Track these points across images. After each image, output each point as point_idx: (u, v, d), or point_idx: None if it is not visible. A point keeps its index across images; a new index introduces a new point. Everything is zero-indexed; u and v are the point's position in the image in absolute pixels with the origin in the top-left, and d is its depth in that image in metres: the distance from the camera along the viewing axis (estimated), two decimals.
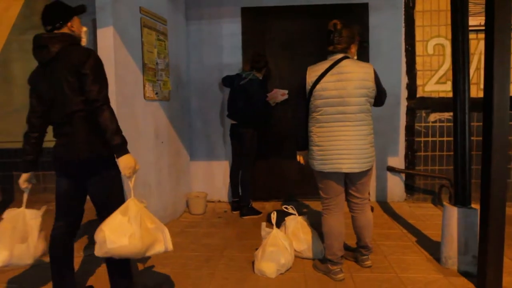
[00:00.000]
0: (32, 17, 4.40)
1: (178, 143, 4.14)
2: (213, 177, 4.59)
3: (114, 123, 1.99)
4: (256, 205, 4.23)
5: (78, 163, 2.03)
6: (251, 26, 4.46)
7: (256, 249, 2.84)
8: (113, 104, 2.93)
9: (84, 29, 2.25)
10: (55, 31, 2.08)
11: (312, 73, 2.53)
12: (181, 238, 3.47)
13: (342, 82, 2.45)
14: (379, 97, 2.60)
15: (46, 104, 2.08)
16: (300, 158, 2.78)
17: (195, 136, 4.58)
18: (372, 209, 4.22)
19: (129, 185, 2.00)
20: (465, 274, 2.66)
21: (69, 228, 2.21)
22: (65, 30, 2.11)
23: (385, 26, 4.39)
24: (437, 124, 4.46)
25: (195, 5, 4.45)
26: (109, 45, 2.96)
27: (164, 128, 3.80)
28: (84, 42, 2.23)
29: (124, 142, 2.01)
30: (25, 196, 2.22)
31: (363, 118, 2.50)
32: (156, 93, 3.59)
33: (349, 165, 2.49)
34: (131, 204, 1.92)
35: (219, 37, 4.48)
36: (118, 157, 2.00)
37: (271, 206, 4.38)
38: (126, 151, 2.01)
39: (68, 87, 1.99)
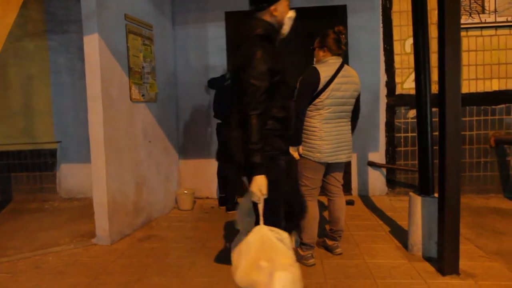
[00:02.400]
0: (26, 25, 4.64)
1: (166, 142, 4.35)
2: (201, 175, 4.79)
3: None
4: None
5: None
6: (235, 30, 4.65)
7: None
8: (100, 106, 3.19)
9: (290, 14, 2.10)
10: (257, 13, 2.00)
11: (324, 73, 2.73)
12: (167, 232, 3.68)
13: (347, 85, 2.78)
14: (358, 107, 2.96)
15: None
16: (295, 153, 2.89)
17: (183, 135, 4.79)
18: (353, 203, 4.43)
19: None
20: (428, 259, 2.84)
21: None
22: (266, 14, 2.03)
23: (363, 26, 4.57)
24: (415, 120, 4.61)
25: (182, 10, 4.66)
26: (94, 51, 3.17)
27: (151, 128, 4.01)
28: (285, 30, 2.12)
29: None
30: None
31: (350, 115, 2.90)
32: (143, 95, 3.80)
33: (346, 155, 2.89)
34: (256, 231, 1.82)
35: (204, 40, 4.68)
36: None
37: None
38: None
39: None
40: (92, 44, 3.17)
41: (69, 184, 4.98)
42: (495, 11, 4.59)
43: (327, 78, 2.71)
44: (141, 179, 3.81)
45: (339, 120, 2.80)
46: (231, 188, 4.28)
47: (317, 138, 2.77)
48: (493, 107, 4.57)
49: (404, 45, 4.59)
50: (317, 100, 2.73)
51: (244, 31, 2.01)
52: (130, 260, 3.02)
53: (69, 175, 4.97)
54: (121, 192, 3.47)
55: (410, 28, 4.52)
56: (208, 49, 4.68)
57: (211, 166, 4.76)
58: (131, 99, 3.63)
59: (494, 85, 4.54)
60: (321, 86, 2.71)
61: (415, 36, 3.04)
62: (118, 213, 3.42)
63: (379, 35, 4.60)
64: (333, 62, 2.78)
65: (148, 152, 3.93)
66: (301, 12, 4.49)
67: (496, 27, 4.53)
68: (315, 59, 2.94)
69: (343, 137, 2.83)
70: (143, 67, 3.80)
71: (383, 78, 4.64)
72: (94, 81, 3.20)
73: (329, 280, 2.60)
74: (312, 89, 2.72)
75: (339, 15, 4.52)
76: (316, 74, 2.70)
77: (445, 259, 2.62)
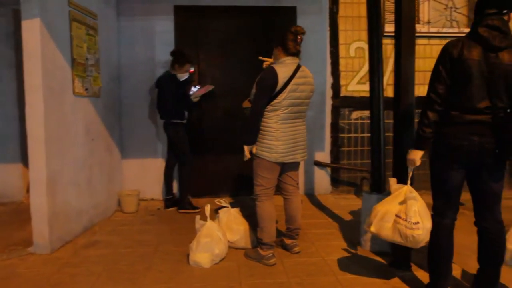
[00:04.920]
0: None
1: (109, 140, 4.07)
2: (146, 175, 4.55)
3: None
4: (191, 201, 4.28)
5: None
6: (184, 24, 4.50)
7: (191, 242, 2.91)
8: (40, 99, 2.88)
9: None
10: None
11: (282, 74, 2.70)
12: (113, 237, 3.43)
13: (303, 86, 2.78)
14: None
15: None
16: (248, 152, 2.84)
17: (127, 134, 4.51)
18: (301, 202, 4.50)
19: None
20: (381, 253, 2.97)
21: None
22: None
23: (311, 29, 4.64)
24: (359, 121, 4.85)
25: (127, 1, 4.39)
26: (35, 38, 2.85)
27: (95, 125, 3.72)
28: None
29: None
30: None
31: (305, 115, 2.93)
32: (86, 89, 3.51)
33: (301, 155, 2.90)
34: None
35: (151, 34, 4.46)
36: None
37: (205, 202, 4.43)
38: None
39: None
40: (32, 30, 2.84)
41: None
42: (429, 22, 4.97)
43: (285, 79, 2.70)
44: (84, 180, 3.51)
45: (295, 120, 2.82)
46: (185, 187, 4.14)
47: (274, 138, 2.76)
48: None
49: (349, 49, 4.79)
50: (275, 100, 2.72)
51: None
52: (77, 269, 2.76)
53: None
54: (62, 195, 3.16)
55: (355, 33, 4.80)
56: (155, 43, 4.46)
57: (156, 166, 4.56)
58: (74, 93, 3.32)
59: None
60: (279, 86, 2.70)
61: (370, 42, 3.18)
62: (58, 218, 3.11)
63: (326, 38, 4.74)
64: (290, 62, 2.78)
65: (90, 151, 3.64)
66: (252, 11, 4.54)
67: (429, 37, 4.90)
68: (273, 58, 2.93)
69: (299, 137, 2.86)
70: (87, 58, 3.51)
71: (329, 80, 4.79)
72: (34, 71, 2.87)
73: (292, 279, 2.61)
74: (270, 90, 2.71)
75: (289, 16, 4.58)
76: (274, 74, 2.68)
77: (397, 253, 2.76)
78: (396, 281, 2.56)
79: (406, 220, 2.15)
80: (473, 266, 2.28)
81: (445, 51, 2.08)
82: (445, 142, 2.10)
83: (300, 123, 2.88)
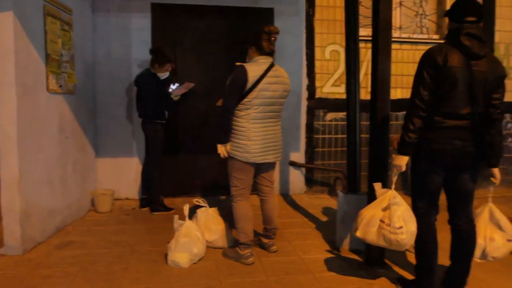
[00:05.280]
0: None
1: (83, 138, 3.98)
2: (121, 174, 4.47)
3: None
4: (165, 201, 4.24)
5: None
6: (161, 22, 4.46)
7: (169, 242, 2.90)
8: (13, 95, 2.79)
9: None
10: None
11: (252, 72, 2.69)
12: (88, 237, 3.36)
13: (276, 85, 2.76)
14: None
15: None
16: (223, 150, 2.85)
17: (101, 132, 4.41)
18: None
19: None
20: (356, 251, 3.07)
21: None
22: None
23: (288, 31, 4.73)
24: (333, 122, 4.96)
25: None
26: (8, 32, 2.75)
27: (69, 123, 3.63)
28: None
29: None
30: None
31: (280, 116, 2.92)
32: (60, 86, 3.42)
33: (274, 156, 2.88)
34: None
35: (128, 31, 4.38)
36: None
37: (181, 201, 4.42)
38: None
39: None
40: (5, 23, 2.74)
41: None
42: (400, 28, 5.15)
43: (256, 78, 2.69)
44: (57, 179, 3.42)
45: (268, 120, 2.82)
46: (155, 189, 4.08)
47: (245, 138, 2.76)
48: (397, 113, 5.09)
49: (325, 52, 4.88)
50: (246, 99, 2.73)
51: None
52: (51, 271, 2.69)
53: None
54: (35, 194, 3.07)
55: (331, 36, 4.90)
56: (132, 40, 4.39)
57: (132, 165, 4.50)
58: (48, 89, 3.23)
59: (398, 94, 5.07)
60: (249, 85, 2.70)
61: (347, 46, 3.27)
62: (30, 218, 3.02)
63: (302, 40, 4.81)
64: (263, 61, 2.78)
65: (64, 149, 3.54)
66: (230, 11, 4.55)
67: (401, 42, 5.08)
68: (247, 58, 2.93)
69: (272, 137, 2.85)
70: (61, 54, 3.42)
71: (305, 81, 4.87)
72: (7, 66, 2.77)
73: (271, 277, 2.65)
74: (239, 88, 2.70)
75: (266, 17, 4.62)
76: (244, 73, 2.68)
77: (371, 251, 2.85)
78: (371, 277, 2.65)
79: (389, 225, 2.19)
80: (443, 262, 2.39)
81: (429, 57, 2.11)
82: (428, 146, 2.17)
83: (273, 123, 2.86)
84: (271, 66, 2.79)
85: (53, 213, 3.35)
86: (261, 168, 2.94)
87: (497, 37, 5.28)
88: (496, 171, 2.26)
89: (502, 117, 2.20)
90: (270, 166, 2.99)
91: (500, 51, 5.31)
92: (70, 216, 3.66)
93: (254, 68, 2.73)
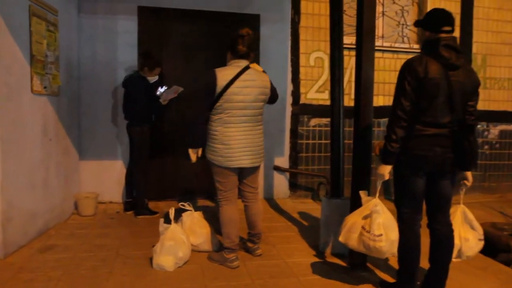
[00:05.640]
0: None
1: (67, 141, 3.93)
2: (105, 177, 4.43)
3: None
4: (150, 205, 4.23)
5: None
6: (148, 26, 4.45)
7: (154, 245, 2.90)
8: None
9: None
10: None
11: (223, 77, 2.70)
12: (71, 241, 3.33)
13: (248, 89, 2.74)
14: (273, 99, 3.00)
15: None
16: (193, 155, 2.88)
17: (86, 134, 4.37)
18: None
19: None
20: (339, 255, 3.12)
21: None
22: None
23: (274, 37, 4.80)
24: (317, 128, 5.04)
25: None
26: None
27: (53, 125, 3.59)
28: None
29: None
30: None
31: (259, 120, 2.88)
32: (45, 87, 3.38)
33: (250, 160, 2.82)
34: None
35: (114, 33, 4.36)
36: None
37: (165, 205, 4.42)
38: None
39: None
40: None
41: None
42: (383, 36, 5.28)
43: (225, 82, 2.69)
44: (40, 181, 3.37)
45: (242, 124, 2.78)
46: (140, 192, 4.06)
47: (219, 142, 2.77)
48: (379, 120, 5.21)
49: (309, 59, 4.97)
50: (217, 103, 2.72)
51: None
52: (33, 275, 2.66)
53: None
54: (16, 197, 3.02)
55: (315, 43, 4.99)
56: (118, 43, 4.37)
57: (116, 168, 4.47)
58: (32, 91, 3.19)
59: (380, 101, 5.19)
60: (219, 89, 2.69)
61: (332, 54, 3.34)
62: (12, 221, 2.97)
63: (287, 47, 4.88)
64: (237, 65, 2.77)
65: (48, 151, 3.50)
66: (216, 17, 4.59)
67: (383, 51, 5.21)
68: (227, 63, 2.93)
69: (248, 142, 2.80)
70: (46, 55, 3.39)
71: (290, 87, 4.94)
72: None
73: (256, 281, 2.68)
74: (208, 93, 2.71)
75: (252, 23, 4.67)
76: (213, 77, 2.69)
77: (354, 255, 2.90)
78: (354, 281, 2.71)
79: (369, 232, 2.25)
80: (423, 265, 2.46)
81: (410, 69, 2.17)
82: (411, 152, 2.24)
83: (249, 127, 2.80)
84: (245, 69, 2.75)
85: (35, 216, 3.31)
86: (242, 173, 2.93)
87: (475, 48, 5.49)
88: (469, 174, 2.36)
89: (477, 123, 2.33)
90: (251, 171, 2.95)
91: (477, 62, 5.51)
92: (53, 219, 3.62)
93: (226, 72, 2.73)
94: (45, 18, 3.38)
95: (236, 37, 2.77)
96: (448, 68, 2.16)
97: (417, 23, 2.37)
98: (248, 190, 3.02)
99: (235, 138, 2.75)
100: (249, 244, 3.14)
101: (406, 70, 2.19)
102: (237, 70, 2.73)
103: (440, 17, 2.23)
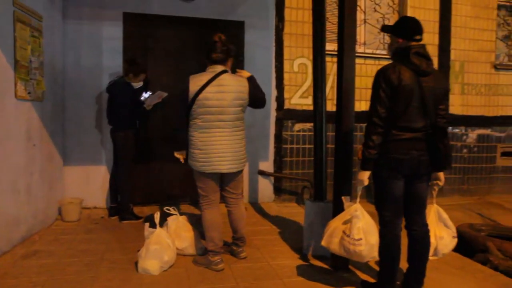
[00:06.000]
0: None
1: (51, 146, 3.92)
2: (89, 183, 4.42)
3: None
4: (135, 209, 4.22)
5: None
6: (133, 32, 4.48)
7: (139, 250, 2.91)
8: None
9: None
10: None
11: (195, 83, 2.75)
12: (55, 246, 3.32)
13: (222, 94, 2.76)
14: (258, 104, 3.02)
15: None
16: (180, 156, 2.94)
17: (70, 140, 4.35)
18: (245, 209, 4.64)
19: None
20: (322, 257, 3.18)
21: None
22: None
23: (258, 43, 4.88)
24: (301, 133, 5.12)
25: (74, 4, 4.28)
26: None
27: (37, 130, 3.58)
28: None
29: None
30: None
31: (238, 125, 2.88)
32: (29, 93, 3.38)
33: (227, 166, 2.83)
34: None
35: (99, 39, 4.37)
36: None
37: (150, 210, 4.42)
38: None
39: None
40: None
41: None
42: (364, 43, 5.41)
43: (198, 87, 2.73)
44: (23, 187, 3.36)
45: (219, 130, 2.79)
46: (125, 197, 4.06)
47: (195, 147, 2.82)
48: (361, 125, 5.31)
49: (293, 65, 5.05)
50: (192, 109, 2.78)
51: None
52: (17, 281, 2.65)
53: None
54: (0, 203, 3.01)
55: (299, 49, 5.08)
56: (103, 49, 4.38)
57: (100, 173, 4.46)
58: (16, 96, 3.19)
59: (362, 106, 5.30)
60: (191, 95, 2.74)
61: (315, 60, 3.43)
62: None
63: (271, 53, 4.96)
64: (212, 71, 2.82)
65: (31, 157, 3.49)
66: (201, 23, 4.64)
67: (365, 57, 5.33)
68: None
69: (224, 147, 2.80)
70: (30, 61, 3.39)
71: (274, 93, 5.01)
72: None
73: (241, 283, 2.72)
74: (182, 99, 2.79)
75: (237, 30, 4.75)
76: (186, 84, 2.76)
77: (336, 257, 2.96)
78: (337, 282, 2.77)
79: (349, 236, 2.32)
80: (401, 265, 2.54)
81: (384, 77, 2.25)
82: (388, 156, 2.32)
83: (226, 132, 2.80)
84: (219, 74, 2.78)
85: (18, 222, 3.29)
86: (223, 179, 2.96)
87: (453, 55, 5.66)
88: (441, 174, 2.47)
89: (448, 126, 2.44)
90: (231, 177, 2.96)
91: (455, 68, 5.68)
92: (36, 225, 3.60)
93: (200, 78, 2.78)
94: (30, 24, 3.39)
95: (210, 43, 2.84)
96: (420, 75, 2.26)
97: (386, 29, 2.47)
98: (229, 196, 3.05)
99: (211, 143, 2.78)
100: (234, 247, 3.19)
101: (381, 78, 2.27)
102: (211, 75, 2.76)
103: (412, 26, 2.34)
